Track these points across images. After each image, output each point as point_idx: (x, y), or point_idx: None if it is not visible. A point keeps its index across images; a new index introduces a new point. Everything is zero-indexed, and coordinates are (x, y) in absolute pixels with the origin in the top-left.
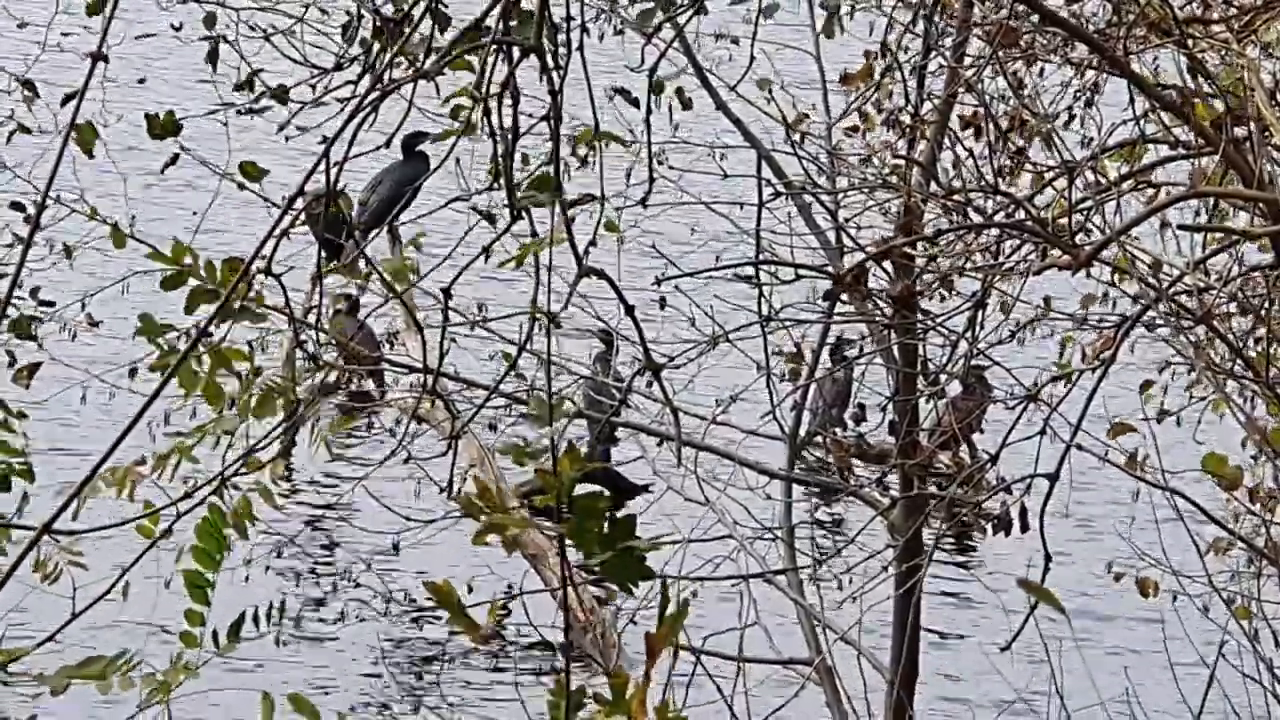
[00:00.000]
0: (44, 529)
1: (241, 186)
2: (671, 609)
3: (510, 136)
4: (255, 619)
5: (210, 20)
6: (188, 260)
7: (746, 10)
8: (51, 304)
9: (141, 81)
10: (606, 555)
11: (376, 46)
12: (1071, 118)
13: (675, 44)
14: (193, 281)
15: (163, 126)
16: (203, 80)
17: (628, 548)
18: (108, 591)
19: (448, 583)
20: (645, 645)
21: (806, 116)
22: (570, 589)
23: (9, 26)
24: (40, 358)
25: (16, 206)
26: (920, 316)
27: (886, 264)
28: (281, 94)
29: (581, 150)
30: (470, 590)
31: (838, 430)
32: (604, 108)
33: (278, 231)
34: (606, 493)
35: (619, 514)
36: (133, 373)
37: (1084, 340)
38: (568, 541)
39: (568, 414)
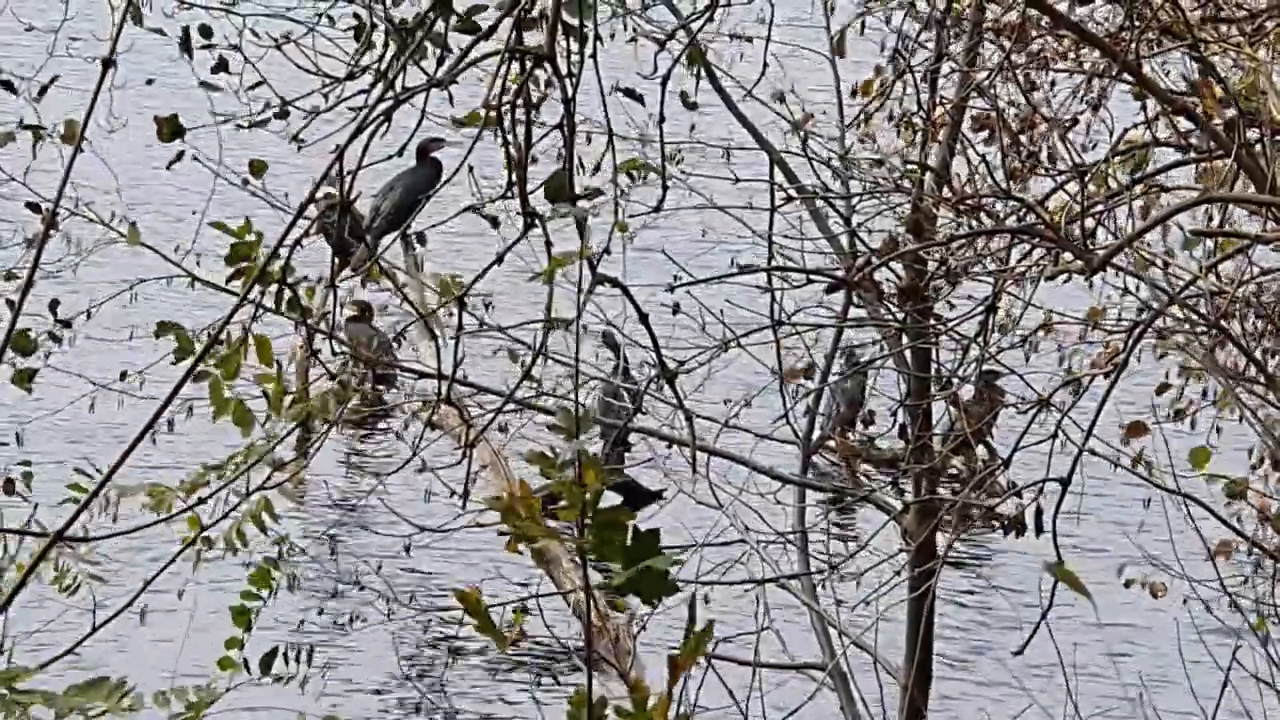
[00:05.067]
0: (57, 536)
1: (246, 182)
2: (698, 627)
3: (524, 144)
4: (285, 657)
5: (206, 31)
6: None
7: (759, 12)
8: (69, 324)
9: (150, 83)
10: (629, 570)
11: (389, 54)
12: (1074, 122)
13: (689, 51)
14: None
15: (171, 130)
16: (200, 98)
17: (648, 565)
18: (127, 605)
19: (476, 591)
20: (668, 665)
21: (812, 117)
22: (589, 586)
23: (15, 29)
24: (37, 364)
25: (33, 208)
26: (932, 321)
27: (896, 264)
28: (283, 112)
29: (594, 158)
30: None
31: (849, 433)
32: (615, 111)
33: (290, 240)
34: (629, 508)
35: (643, 528)
36: (123, 375)
37: (1093, 348)
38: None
39: (592, 426)
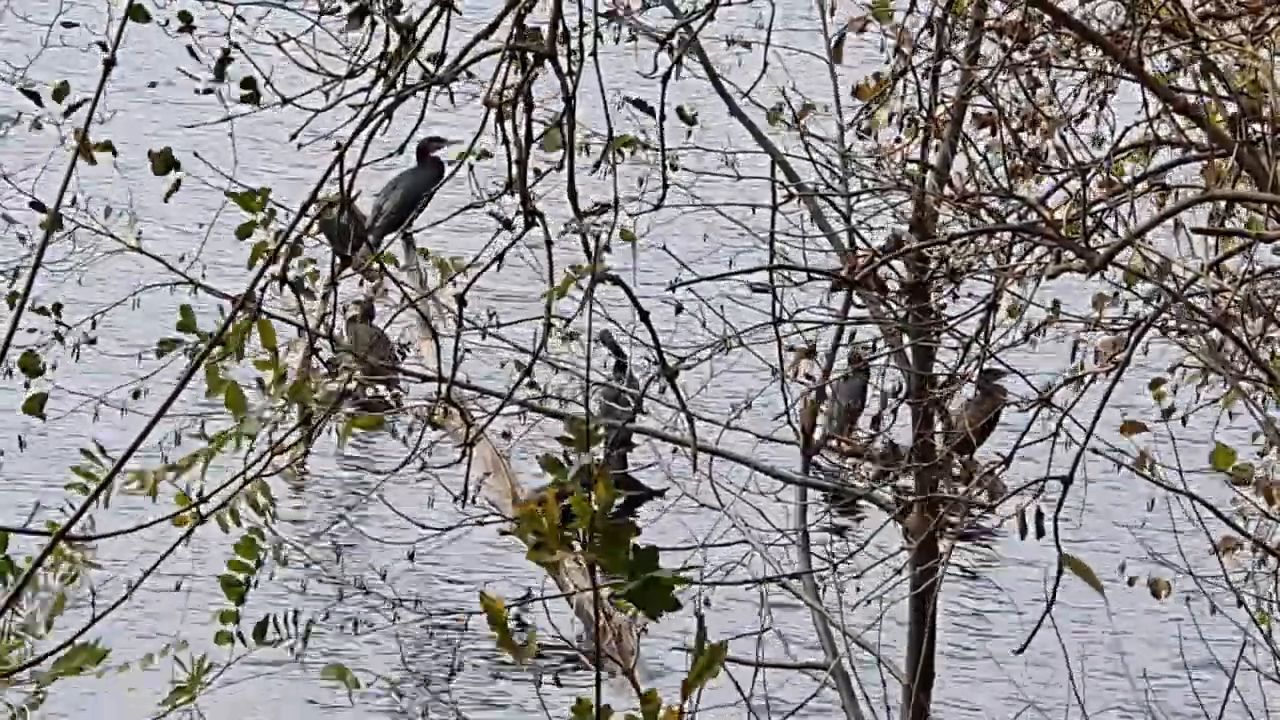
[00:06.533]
0: (60, 534)
1: (250, 199)
2: (707, 649)
3: (524, 143)
4: (276, 625)
5: (186, 16)
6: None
7: (759, 15)
8: (69, 327)
9: (152, 85)
10: (632, 584)
11: (390, 53)
12: (1083, 117)
13: (688, 50)
14: (258, 235)
15: (164, 163)
16: (204, 91)
17: (653, 578)
18: (126, 596)
19: (500, 601)
20: (681, 690)
21: (813, 109)
22: (598, 600)
23: (12, 21)
24: (46, 388)
25: (38, 206)
26: (932, 318)
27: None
28: (254, 92)
29: (594, 158)
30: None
31: (851, 432)
32: (617, 113)
33: (292, 238)
34: (629, 500)
35: (642, 545)
36: (136, 394)
37: (1096, 341)
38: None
39: (603, 437)
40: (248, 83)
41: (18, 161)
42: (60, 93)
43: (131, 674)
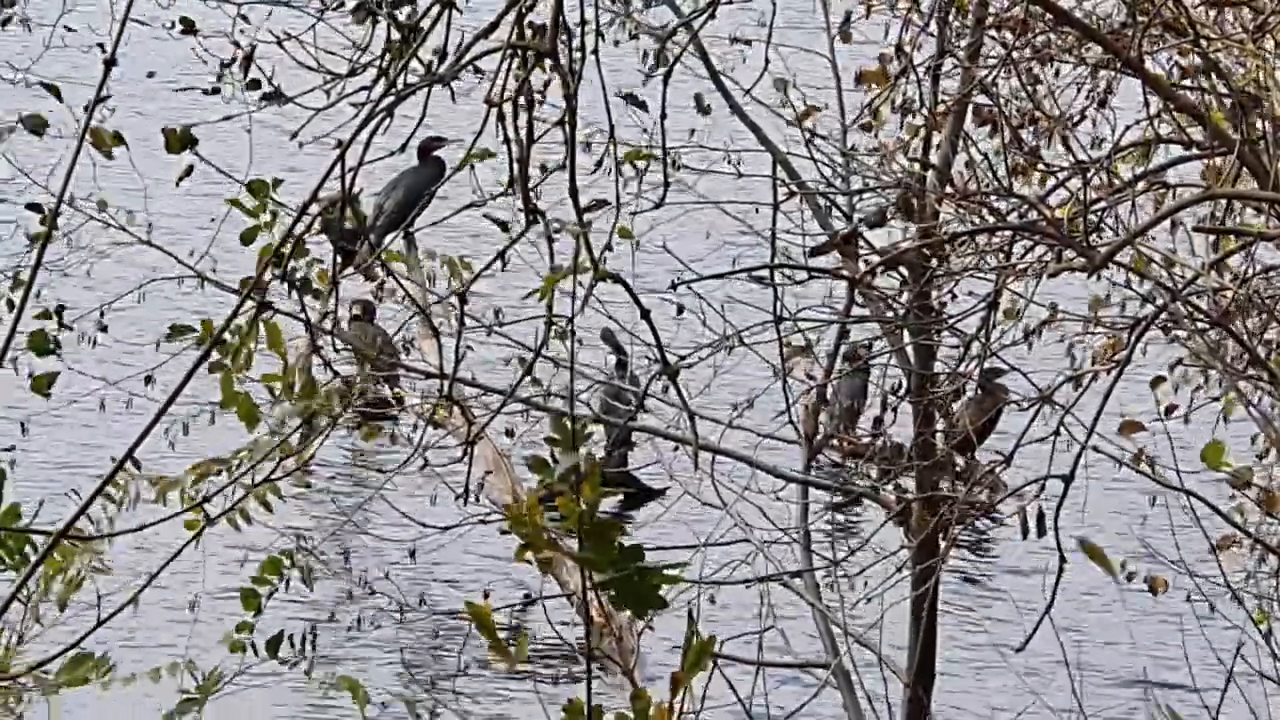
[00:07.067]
0: (61, 533)
1: (248, 203)
2: (696, 642)
3: (525, 142)
4: (291, 642)
5: (188, 22)
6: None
7: (760, 14)
8: (70, 327)
9: (150, 75)
10: (619, 580)
11: (390, 50)
12: (1082, 118)
13: (690, 48)
14: (264, 238)
15: (180, 141)
16: (208, 91)
17: (643, 575)
18: (133, 599)
19: (487, 607)
20: (670, 682)
21: (816, 109)
22: (587, 598)
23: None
24: (58, 367)
25: (34, 208)
26: (933, 317)
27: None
28: (278, 96)
29: (596, 156)
30: (486, 596)
31: (850, 429)
32: (619, 112)
33: (294, 237)
34: (620, 521)
35: (628, 543)
36: (148, 380)
37: (1095, 343)
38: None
39: (590, 435)
40: (254, 84)
41: (29, 162)
42: (38, 125)
43: (135, 679)
